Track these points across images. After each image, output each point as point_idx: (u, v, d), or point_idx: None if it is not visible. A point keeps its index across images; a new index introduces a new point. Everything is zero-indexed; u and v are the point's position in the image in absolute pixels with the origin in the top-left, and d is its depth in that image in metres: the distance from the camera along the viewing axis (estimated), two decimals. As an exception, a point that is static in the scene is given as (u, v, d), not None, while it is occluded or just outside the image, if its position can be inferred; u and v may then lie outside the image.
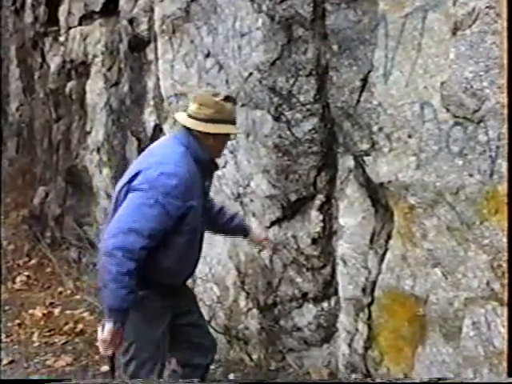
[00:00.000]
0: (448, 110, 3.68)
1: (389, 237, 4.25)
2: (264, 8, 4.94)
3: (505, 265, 3.49)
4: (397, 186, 4.05)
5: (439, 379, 3.45)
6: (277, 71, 4.85)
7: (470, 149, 3.60)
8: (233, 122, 3.77)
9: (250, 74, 5.10)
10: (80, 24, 8.74)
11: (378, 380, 4.11)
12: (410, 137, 3.92)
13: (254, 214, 5.28)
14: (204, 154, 3.69)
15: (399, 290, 4.12)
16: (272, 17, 4.85)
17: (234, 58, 5.32)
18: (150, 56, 6.89)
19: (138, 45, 7.08)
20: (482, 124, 3.53)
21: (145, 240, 3.43)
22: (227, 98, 3.71)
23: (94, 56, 8.46)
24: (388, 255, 4.23)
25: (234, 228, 4.39)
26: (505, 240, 3.48)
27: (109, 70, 8.23)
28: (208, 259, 5.83)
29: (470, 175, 3.62)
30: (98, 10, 8.37)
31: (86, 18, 8.65)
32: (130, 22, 7.15)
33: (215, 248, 5.72)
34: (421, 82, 3.83)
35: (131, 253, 3.40)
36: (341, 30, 4.32)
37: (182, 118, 3.76)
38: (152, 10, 6.72)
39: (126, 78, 7.70)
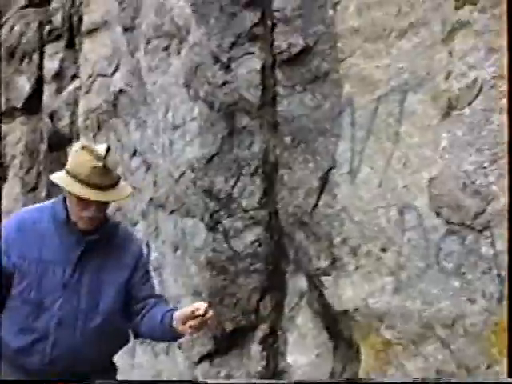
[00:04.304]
0: (438, 215, 3.24)
1: (353, 381, 3.70)
2: (202, 94, 4.57)
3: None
4: (366, 315, 3.54)
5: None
6: (214, 170, 4.48)
7: (470, 266, 3.11)
8: (83, 182, 3.21)
9: (182, 173, 4.74)
10: (-1, 121, 8.67)
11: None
12: (384, 250, 3.47)
13: (179, 347, 4.79)
14: (62, 212, 3.34)
15: None
16: (211, 104, 4.50)
17: (164, 155, 4.99)
18: (71, 156, 6.37)
19: (59, 143, 6.83)
20: (486, 232, 3.07)
21: None
22: (84, 148, 3.24)
23: (13, 157, 8.16)
24: None
25: (153, 328, 3.50)
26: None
27: (27, 173, 7.94)
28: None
29: (471, 301, 3.10)
30: (19, 106, 8.08)
31: (7, 115, 8.40)
32: (51, 116, 6.93)
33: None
34: (399, 180, 3.43)
35: None
36: (295, 118, 3.99)
37: None
38: (76, 104, 6.55)
39: (44, 183, 7.37)
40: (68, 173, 3.23)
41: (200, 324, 3.10)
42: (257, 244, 4.27)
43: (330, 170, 3.78)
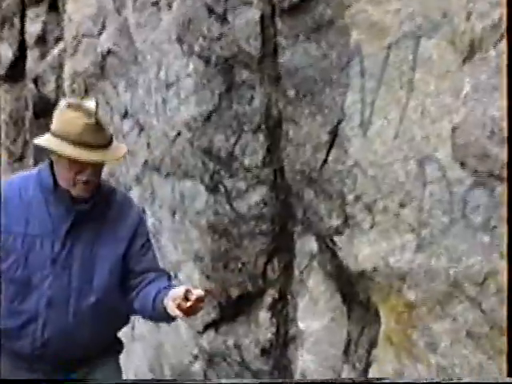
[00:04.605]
0: (463, 166, 2.92)
1: (372, 345, 3.47)
2: (196, 48, 4.37)
3: None
4: (386, 276, 3.26)
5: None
6: (213, 128, 4.31)
7: (500, 219, 2.77)
8: (74, 142, 2.94)
9: (178, 133, 4.59)
10: (-17, 92, 8.59)
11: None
12: (402, 206, 3.17)
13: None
14: (48, 180, 3.08)
15: (393, 420, 3.39)
16: (207, 59, 4.30)
17: (158, 115, 4.84)
18: (58, 122, 6.34)
19: (44, 108, 6.64)
20: (517, 182, 2.79)
21: None
22: (70, 105, 2.99)
23: None
24: (373, 371, 3.42)
25: (146, 304, 3.22)
26: None
27: (13, 142, 7.98)
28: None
29: (503, 256, 2.77)
30: (2, 73, 8.07)
31: (-10, 84, 8.51)
32: (35, 81, 6.84)
33: (132, 358, 5.06)
34: (417, 131, 3.12)
35: None
36: (299, 70, 3.75)
37: None
38: (61, 67, 6.44)
39: (31, 151, 7.38)
40: (55, 135, 2.98)
41: (188, 309, 2.84)
42: (262, 205, 4.13)
43: (339, 123, 3.53)
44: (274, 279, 4.17)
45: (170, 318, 3.06)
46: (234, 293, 4.27)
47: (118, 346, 3.39)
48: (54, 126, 3.00)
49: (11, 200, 3.07)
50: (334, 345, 3.73)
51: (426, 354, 3.10)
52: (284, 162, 3.94)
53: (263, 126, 4.07)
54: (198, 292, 2.82)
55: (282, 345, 4.15)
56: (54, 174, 3.06)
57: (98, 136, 2.93)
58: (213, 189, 4.33)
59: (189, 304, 2.79)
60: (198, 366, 4.54)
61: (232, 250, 4.27)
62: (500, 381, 2.85)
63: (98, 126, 2.92)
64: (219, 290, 4.18)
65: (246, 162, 4.14)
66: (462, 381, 2.98)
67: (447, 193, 2.99)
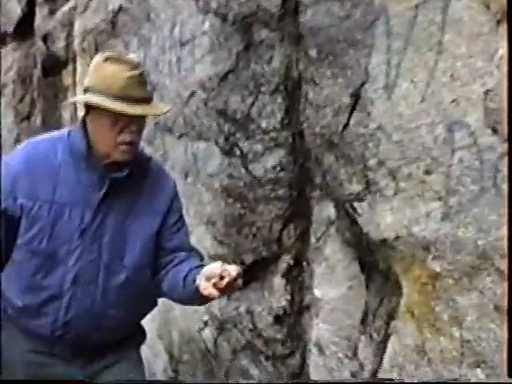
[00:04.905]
0: (495, 131, 2.77)
1: (391, 317, 3.32)
2: (213, 5, 4.21)
3: None
4: (410, 245, 3.11)
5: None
6: (229, 88, 4.15)
7: None
8: (116, 96, 2.69)
9: (192, 93, 4.43)
10: (-10, 49, 8.42)
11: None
12: (428, 173, 3.02)
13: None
14: (81, 143, 2.83)
15: (412, 394, 3.24)
16: (224, 16, 4.14)
17: (171, 74, 4.68)
18: (67, 80, 6.38)
19: (54, 66, 6.56)
20: (553, 150, 2.60)
21: None
22: (108, 58, 2.76)
23: (5, 85, 8.08)
24: (392, 344, 3.25)
25: (175, 284, 2.96)
26: None
27: (20, 101, 7.81)
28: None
29: None
30: (11, 30, 7.94)
31: (-2, 40, 8.34)
32: (45, 39, 6.64)
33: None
34: (447, 94, 2.96)
35: None
36: (321, 29, 3.56)
37: None
38: (71, 25, 6.24)
39: (38, 110, 7.21)
40: (93, 91, 2.72)
41: (224, 287, 2.57)
42: (279, 168, 3.95)
43: (362, 85, 3.36)
44: (290, 245, 4.01)
45: (201, 300, 2.81)
46: (248, 259, 4.11)
47: (142, 336, 3.16)
48: (90, 81, 2.77)
49: (36, 164, 2.84)
50: (350, 314, 3.59)
51: (449, 327, 2.97)
52: (303, 125, 3.75)
53: (282, 87, 3.89)
54: (234, 268, 2.58)
55: (296, 313, 4.00)
56: (86, 138, 2.84)
57: (141, 89, 2.73)
58: (228, 151, 4.16)
59: (225, 282, 2.54)
60: (208, 333, 4.41)
61: (246, 215, 4.11)
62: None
63: (142, 78, 2.73)
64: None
65: (263, 124, 3.96)
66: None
67: (477, 160, 2.84)
